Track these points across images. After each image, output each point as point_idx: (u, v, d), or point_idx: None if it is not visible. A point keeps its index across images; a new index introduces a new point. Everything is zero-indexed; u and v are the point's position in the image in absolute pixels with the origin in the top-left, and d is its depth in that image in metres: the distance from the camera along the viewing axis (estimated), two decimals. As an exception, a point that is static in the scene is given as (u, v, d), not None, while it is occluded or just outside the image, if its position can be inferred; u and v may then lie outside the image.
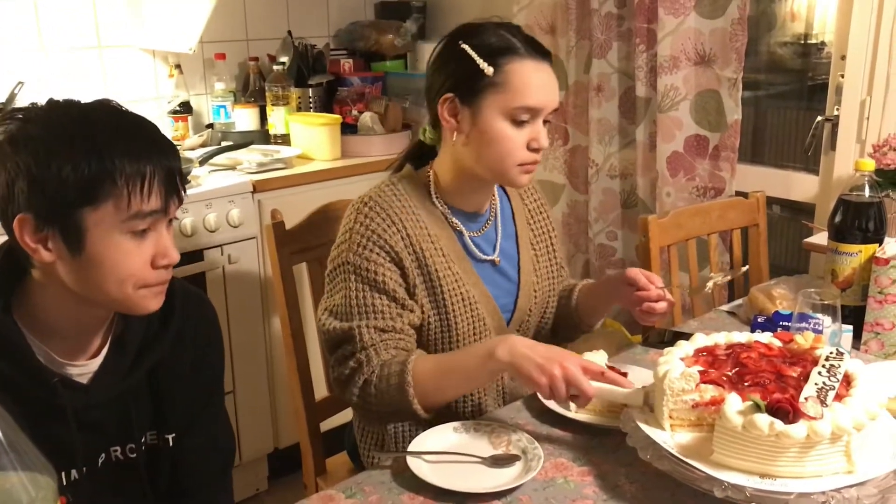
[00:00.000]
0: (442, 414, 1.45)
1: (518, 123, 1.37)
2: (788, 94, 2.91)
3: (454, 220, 1.48)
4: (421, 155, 1.53)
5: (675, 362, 1.20)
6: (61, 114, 1.04)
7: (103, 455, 1.19)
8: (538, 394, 1.40)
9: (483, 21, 1.42)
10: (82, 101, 1.08)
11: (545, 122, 1.41)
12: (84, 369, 1.14)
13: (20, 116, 1.04)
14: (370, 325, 1.38)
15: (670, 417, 1.17)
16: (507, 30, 1.39)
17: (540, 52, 1.39)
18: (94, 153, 1.00)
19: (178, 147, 2.52)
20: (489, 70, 1.35)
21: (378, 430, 1.53)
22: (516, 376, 1.27)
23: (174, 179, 1.07)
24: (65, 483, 1.13)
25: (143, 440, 1.22)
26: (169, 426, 1.24)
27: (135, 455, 1.21)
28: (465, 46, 1.37)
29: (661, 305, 1.45)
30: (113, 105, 1.09)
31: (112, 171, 1.01)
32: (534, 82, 1.36)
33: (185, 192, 1.11)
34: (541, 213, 1.64)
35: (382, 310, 1.39)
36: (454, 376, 1.32)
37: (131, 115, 1.09)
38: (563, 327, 1.68)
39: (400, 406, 1.33)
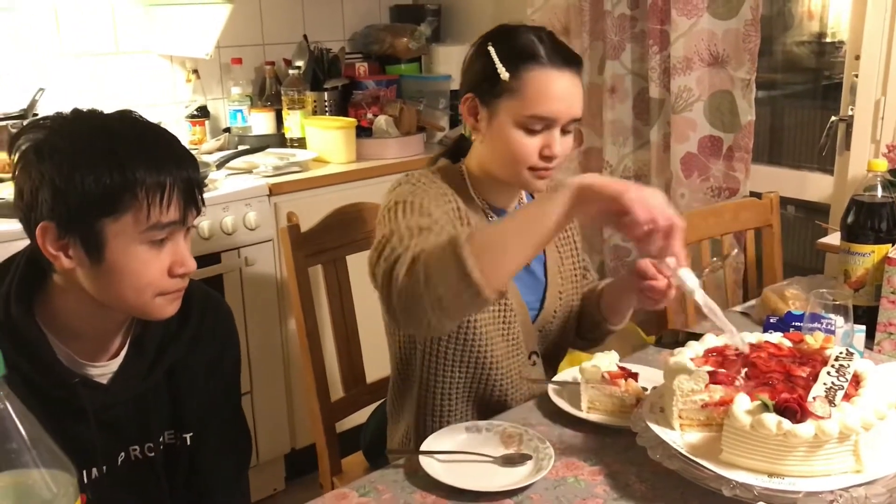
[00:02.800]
0: (467, 405, 1.47)
1: (531, 131, 1.37)
2: (804, 94, 2.90)
3: (491, 213, 1.49)
4: (460, 149, 1.55)
5: (685, 363, 1.21)
6: (85, 125, 1.07)
7: (122, 454, 1.21)
8: (550, 390, 1.42)
9: (517, 24, 1.43)
10: (105, 112, 1.11)
11: (566, 131, 1.40)
12: (104, 370, 1.17)
13: (47, 125, 1.07)
14: (413, 222, 1.28)
15: (680, 417, 1.18)
16: (536, 35, 1.39)
17: (566, 60, 1.38)
18: (115, 165, 1.03)
19: (195, 151, 2.57)
20: (505, 75, 1.36)
21: (433, 415, 1.52)
22: (597, 197, 1.08)
23: (193, 190, 1.10)
24: (85, 481, 1.15)
25: (161, 439, 1.25)
26: (186, 425, 1.26)
27: (153, 454, 1.23)
28: (490, 48, 1.38)
29: (670, 293, 1.41)
30: (134, 116, 1.11)
31: (133, 183, 1.03)
32: (550, 92, 1.36)
33: (203, 202, 1.13)
34: None
35: (429, 218, 1.31)
36: (515, 224, 1.15)
37: (152, 126, 1.12)
38: (589, 328, 1.67)
39: (454, 276, 1.11)
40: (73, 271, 1.08)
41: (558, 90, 1.36)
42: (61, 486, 0.75)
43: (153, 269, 1.09)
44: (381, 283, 1.25)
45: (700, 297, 1.14)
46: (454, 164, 1.52)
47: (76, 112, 1.09)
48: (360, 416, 1.82)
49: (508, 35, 1.41)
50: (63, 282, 1.11)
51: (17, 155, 1.07)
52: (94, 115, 1.09)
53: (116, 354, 1.18)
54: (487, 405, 1.53)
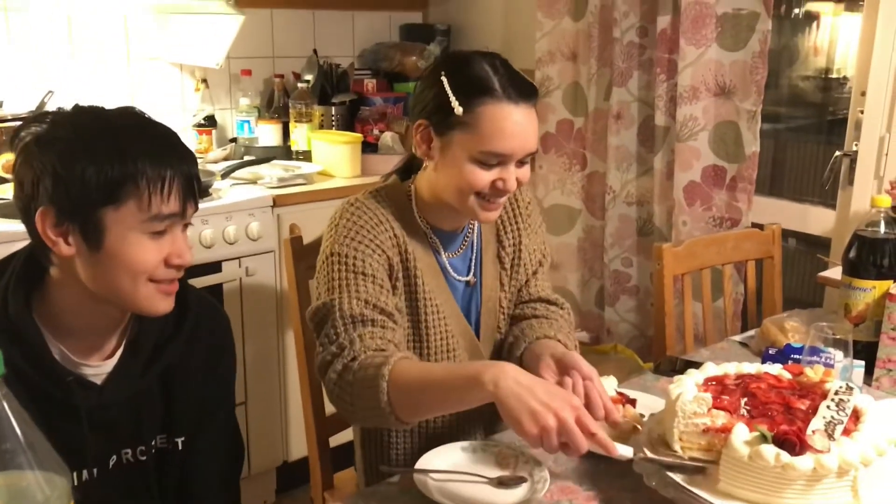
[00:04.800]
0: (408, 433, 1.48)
1: (485, 165, 1.34)
2: (808, 128, 2.92)
3: (433, 237, 1.47)
4: (411, 167, 1.51)
5: (689, 386, 1.21)
6: (87, 118, 1.09)
7: (114, 457, 1.21)
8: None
9: (471, 53, 1.37)
10: (106, 108, 1.12)
11: (522, 163, 1.37)
12: (98, 370, 1.17)
13: (47, 119, 1.09)
14: (352, 295, 1.32)
15: (680, 440, 1.17)
16: (491, 66, 1.33)
17: (521, 93, 1.33)
18: (117, 156, 1.05)
19: (201, 160, 2.58)
20: (459, 110, 1.31)
21: (378, 445, 1.52)
22: (502, 414, 1.13)
23: (192, 185, 1.12)
24: (75, 483, 1.14)
25: (153, 443, 1.24)
26: (179, 430, 1.26)
27: (145, 458, 1.23)
28: (444, 79, 1.33)
29: None
30: (136, 111, 1.13)
31: (134, 173, 1.05)
32: (506, 128, 1.31)
33: (200, 197, 1.15)
34: (515, 222, 1.57)
35: (366, 287, 1.34)
36: (433, 391, 1.22)
37: (153, 121, 1.14)
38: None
39: (371, 405, 1.22)
40: (70, 259, 1.09)
41: (513, 126, 1.31)
42: (55, 489, 0.75)
43: (150, 258, 1.10)
44: (318, 373, 1.34)
45: (623, 450, 1.18)
46: (403, 183, 1.49)
47: (77, 107, 1.11)
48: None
49: (462, 64, 1.35)
50: (60, 275, 1.11)
51: (19, 148, 1.08)
52: (95, 109, 1.11)
53: (112, 355, 1.19)
54: (435, 435, 1.48)
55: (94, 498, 1.17)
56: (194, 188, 1.12)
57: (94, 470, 1.18)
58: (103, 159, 1.04)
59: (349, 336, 1.30)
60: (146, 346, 1.20)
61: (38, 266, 1.13)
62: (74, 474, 1.15)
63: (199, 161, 1.19)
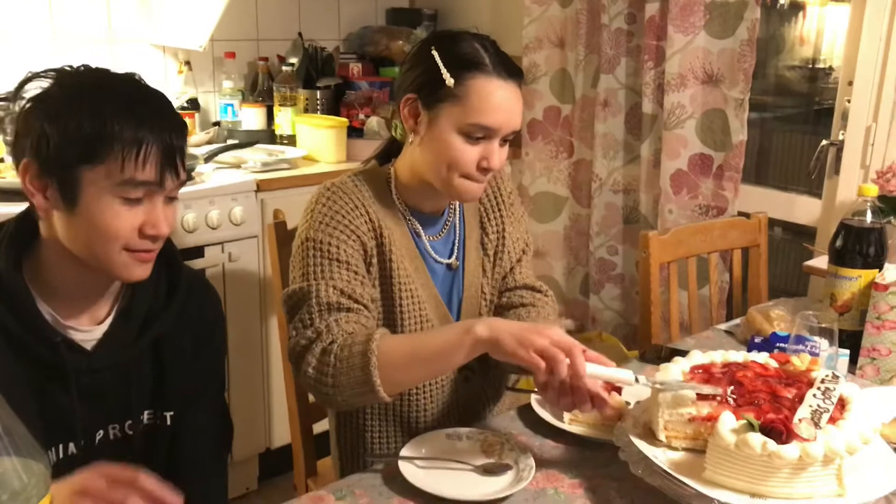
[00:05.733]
0: (387, 423, 1.48)
1: (471, 139, 1.35)
2: (794, 118, 2.92)
3: (412, 219, 1.47)
4: (391, 151, 1.52)
5: (675, 374, 1.20)
6: (83, 78, 1.12)
7: (101, 432, 1.20)
8: (533, 400, 1.41)
9: (461, 31, 1.41)
10: (111, 71, 1.14)
11: (505, 141, 1.39)
12: (89, 335, 1.17)
13: (51, 76, 1.12)
14: (328, 283, 1.33)
15: (665, 429, 1.17)
16: (480, 43, 1.37)
17: (510, 71, 1.36)
18: (97, 116, 1.06)
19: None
20: (450, 81, 1.33)
21: (356, 436, 1.52)
22: (498, 353, 1.18)
23: (173, 155, 1.11)
24: (61, 456, 1.15)
25: (141, 418, 1.24)
26: (168, 403, 1.26)
27: (132, 433, 1.23)
28: (435, 53, 1.35)
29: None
30: (136, 78, 1.15)
31: (111, 134, 1.06)
32: (493, 102, 1.33)
33: (184, 172, 1.15)
34: (498, 210, 1.58)
35: (341, 275, 1.35)
36: (424, 352, 1.25)
37: (147, 88, 1.14)
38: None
39: (359, 383, 1.24)
40: (49, 215, 1.11)
41: (501, 100, 1.34)
42: (33, 476, 0.73)
43: (123, 225, 1.10)
44: (290, 357, 1.34)
45: (643, 380, 1.18)
46: (382, 167, 1.49)
47: (85, 66, 1.14)
48: (339, 419, 1.80)
49: (453, 41, 1.38)
50: (48, 234, 1.13)
51: (21, 103, 1.11)
52: (99, 71, 1.13)
53: (103, 322, 1.19)
54: (409, 425, 1.49)
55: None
56: (175, 159, 1.11)
57: (82, 443, 1.17)
58: (83, 118, 1.06)
59: (325, 321, 1.30)
60: (138, 315, 1.20)
61: (31, 226, 1.15)
62: (61, 447, 1.15)
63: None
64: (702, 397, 1.16)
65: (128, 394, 1.21)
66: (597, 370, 1.17)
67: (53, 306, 1.14)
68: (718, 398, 1.16)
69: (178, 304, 1.23)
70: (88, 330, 1.17)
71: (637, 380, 1.17)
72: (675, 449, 1.17)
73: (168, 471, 1.26)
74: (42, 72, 1.12)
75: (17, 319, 1.10)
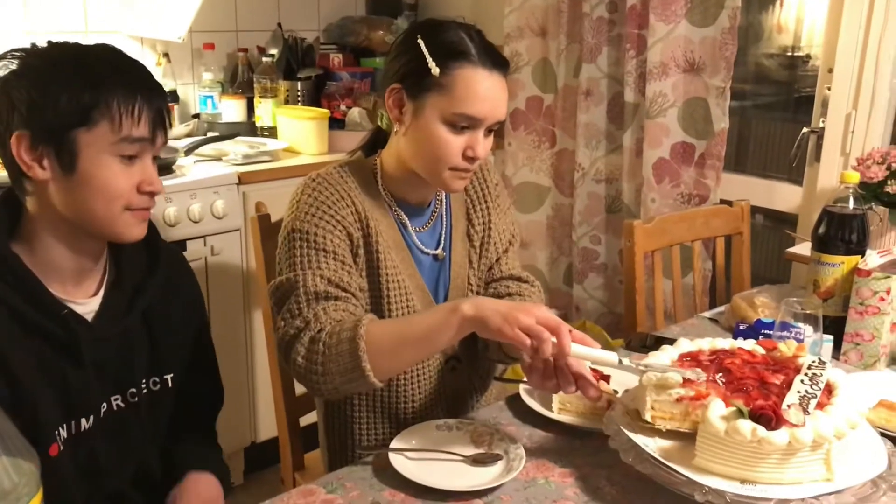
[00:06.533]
0: (373, 414, 1.48)
1: (456, 129, 1.35)
2: (774, 105, 2.94)
3: (398, 210, 1.47)
4: (377, 141, 1.51)
5: (662, 362, 1.21)
6: (62, 49, 1.15)
7: (105, 404, 1.23)
8: (521, 390, 1.41)
9: (447, 20, 1.40)
10: (83, 43, 1.17)
11: (490, 131, 1.38)
12: (86, 307, 1.20)
13: (21, 54, 1.13)
14: (315, 273, 1.34)
15: (652, 409, 1.17)
16: (466, 33, 1.36)
17: (495, 61, 1.36)
18: (90, 82, 1.09)
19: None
20: (436, 70, 1.32)
21: (344, 427, 1.52)
22: (485, 331, 1.19)
23: (162, 115, 1.17)
24: (74, 433, 1.18)
25: (143, 385, 1.28)
26: (166, 367, 1.31)
27: (136, 400, 1.26)
28: (421, 42, 1.35)
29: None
30: (111, 46, 1.18)
31: (107, 97, 1.10)
32: (479, 91, 1.33)
33: (170, 125, 1.21)
34: (484, 201, 1.57)
35: (328, 265, 1.35)
36: (412, 335, 1.25)
37: (124, 53, 1.18)
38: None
39: (349, 370, 1.24)
40: (45, 186, 1.12)
41: (487, 90, 1.34)
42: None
43: (123, 182, 1.13)
44: (279, 348, 1.34)
45: (627, 362, 1.18)
46: (368, 158, 1.49)
47: (51, 42, 1.16)
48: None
49: (438, 30, 1.37)
50: (37, 209, 1.14)
51: None
52: (71, 44, 1.16)
53: (95, 294, 1.22)
54: (397, 416, 1.49)
55: (88, 451, 1.20)
56: (164, 118, 1.17)
57: (90, 418, 1.20)
58: (77, 85, 1.08)
59: (313, 310, 1.31)
60: (127, 285, 1.24)
61: (15, 206, 1.16)
62: (73, 423, 1.18)
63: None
64: (689, 381, 1.16)
65: (129, 362, 1.25)
66: (581, 350, 1.17)
67: (48, 283, 1.16)
68: (708, 378, 1.17)
69: (161, 274, 1.28)
70: (84, 302, 1.20)
71: (621, 361, 1.17)
72: (661, 431, 1.17)
73: (170, 435, 1.34)
74: (6, 53, 1.13)
75: (22, 297, 1.11)
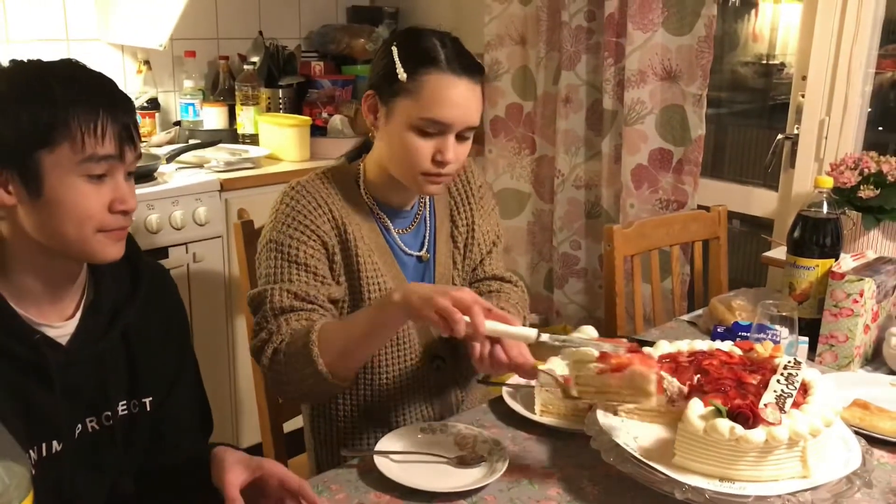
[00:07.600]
0: (357, 414, 1.50)
1: (425, 134, 1.36)
2: (750, 112, 2.98)
3: (380, 213, 1.49)
4: (366, 147, 1.54)
5: (590, 333, 1.26)
6: (21, 69, 1.11)
7: (79, 426, 1.19)
8: (504, 393, 1.43)
9: (426, 28, 1.42)
10: (46, 60, 1.13)
11: (463, 137, 1.39)
12: (61, 331, 1.16)
13: None
14: (283, 288, 1.37)
15: (577, 384, 1.19)
16: (440, 40, 1.38)
17: (465, 67, 1.37)
18: (48, 102, 1.06)
19: (144, 143, 2.52)
20: (403, 76, 1.35)
21: (329, 429, 1.53)
22: (413, 317, 1.23)
23: (128, 127, 1.12)
24: (44, 455, 1.14)
25: (118, 408, 1.24)
26: (144, 390, 1.26)
27: (111, 423, 1.22)
28: (394, 49, 1.38)
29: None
30: (74, 62, 1.14)
31: (66, 116, 1.06)
32: (446, 97, 1.35)
33: (140, 142, 1.16)
34: (468, 203, 1.60)
35: (298, 278, 1.38)
36: (359, 332, 1.28)
37: (89, 69, 1.14)
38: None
39: (308, 375, 1.28)
40: (14, 210, 1.09)
41: (454, 96, 1.35)
42: (13, 478, 0.73)
43: (93, 203, 1.09)
44: (252, 354, 1.41)
45: (545, 337, 1.20)
46: (351, 164, 1.52)
47: (14, 61, 1.12)
48: (309, 417, 1.80)
49: (413, 37, 1.40)
50: (9, 232, 1.11)
51: None
52: (31, 61, 1.12)
53: (71, 317, 1.19)
54: (382, 415, 1.51)
55: (59, 473, 1.16)
56: (131, 133, 1.13)
57: (62, 441, 1.17)
58: (35, 106, 1.05)
59: (276, 322, 1.36)
60: (105, 307, 1.20)
61: None
62: (44, 445, 1.14)
63: (142, 143, 1.18)
64: (605, 354, 1.17)
65: (104, 385, 1.21)
66: (498, 327, 1.19)
67: (22, 307, 1.13)
68: (625, 348, 1.17)
69: (140, 294, 1.24)
70: (60, 326, 1.16)
71: (539, 336, 1.19)
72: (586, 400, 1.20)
73: (154, 456, 1.29)
74: None
75: None
